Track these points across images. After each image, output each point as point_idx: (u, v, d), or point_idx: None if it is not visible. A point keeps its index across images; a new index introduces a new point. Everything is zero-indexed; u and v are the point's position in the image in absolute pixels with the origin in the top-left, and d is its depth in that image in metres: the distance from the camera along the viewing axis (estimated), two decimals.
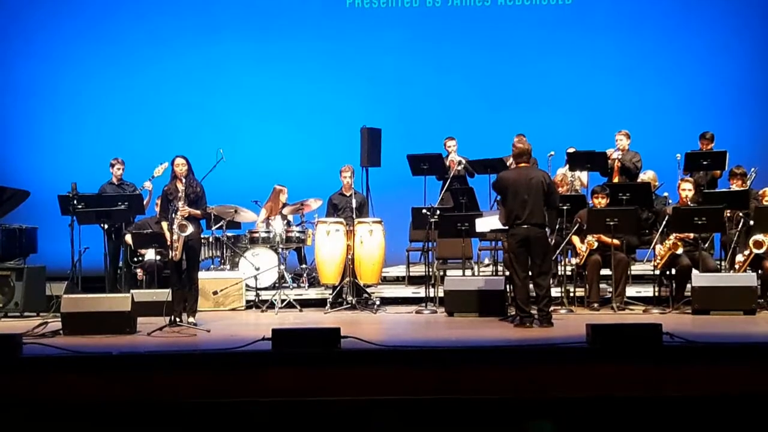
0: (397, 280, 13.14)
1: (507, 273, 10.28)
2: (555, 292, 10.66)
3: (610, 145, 12.46)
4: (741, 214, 10.79)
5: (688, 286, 10.38)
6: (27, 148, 15.48)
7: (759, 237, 10.40)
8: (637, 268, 11.86)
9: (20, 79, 15.63)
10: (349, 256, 11.33)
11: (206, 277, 11.55)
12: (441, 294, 10.92)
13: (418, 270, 12.53)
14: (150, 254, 11.57)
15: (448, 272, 11.80)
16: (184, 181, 9.81)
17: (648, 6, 15.37)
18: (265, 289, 11.93)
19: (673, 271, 10.67)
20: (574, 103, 14.90)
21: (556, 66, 15.18)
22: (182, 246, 9.74)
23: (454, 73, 15.42)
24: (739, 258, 10.64)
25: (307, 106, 15.33)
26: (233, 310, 11.58)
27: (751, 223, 10.60)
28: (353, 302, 11.22)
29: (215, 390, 7.16)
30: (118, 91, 15.47)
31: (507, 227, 9.58)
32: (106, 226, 11.46)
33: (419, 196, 12.54)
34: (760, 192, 11.13)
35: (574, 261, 11.09)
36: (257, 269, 11.89)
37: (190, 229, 9.69)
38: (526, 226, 9.32)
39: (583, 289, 10.98)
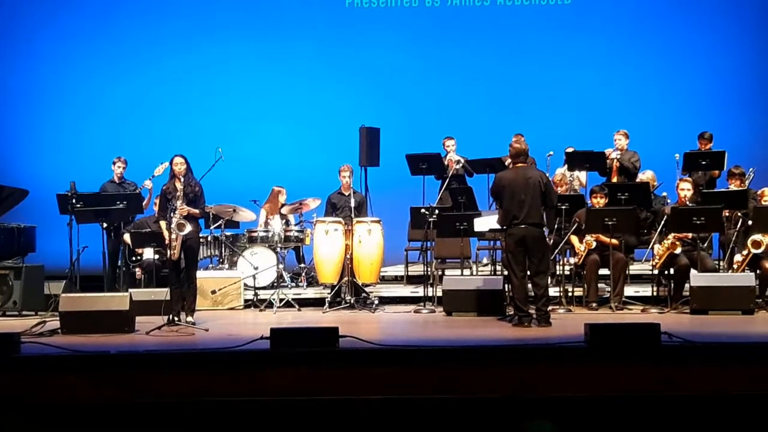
0: (395, 280, 13.14)
1: (505, 272, 10.28)
2: (553, 291, 10.67)
3: (609, 145, 12.48)
4: (739, 214, 10.80)
5: (687, 285, 10.40)
6: (26, 147, 15.47)
7: (757, 237, 10.41)
8: (635, 268, 11.87)
9: (20, 78, 15.62)
10: (348, 256, 11.33)
11: (205, 276, 11.56)
12: (439, 293, 10.92)
13: (417, 269, 12.53)
14: (148, 253, 11.57)
15: (447, 272, 11.80)
16: (182, 180, 9.80)
17: (647, 6, 15.37)
18: (264, 288, 11.93)
19: (672, 271, 10.67)
20: (572, 103, 14.91)
21: (555, 66, 15.18)
22: (180, 245, 9.74)
23: (453, 73, 15.42)
24: (738, 258, 10.64)
25: (306, 106, 15.33)
26: (231, 309, 11.58)
27: (750, 223, 10.60)
28: (352, 302, 11.22)
29: (213, 389, 7.16)
30: (117, 91, 15.47)
31: (504, 227, 9.57)
32: (105, 225, 11.46)
33: (418, 195, 12.54)
34: (759, 192, 11.13)
35: (572, 261, 11.10)
36: (256, 268, 11.89)
37: (189, 228, 9.69)
38: (523, 226, 9.33)
39: (581, 289, 10.99)
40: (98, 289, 11.27)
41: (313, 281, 12.47)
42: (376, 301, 11.31)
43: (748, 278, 10.25)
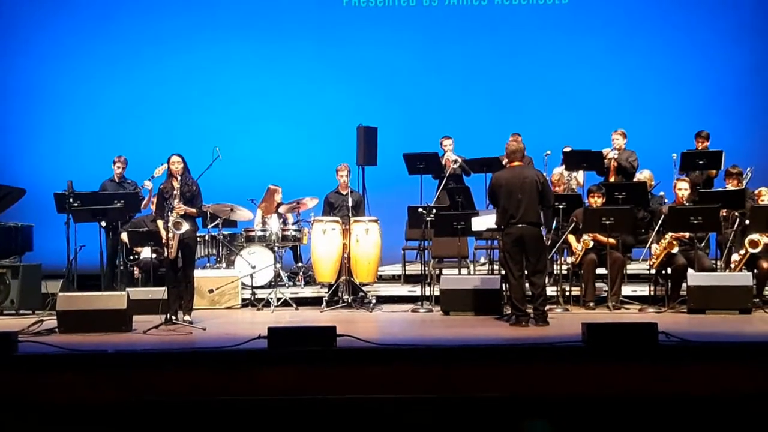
0: (393, 279, 13.15)
1: (503, 272, 10.28)
2: (551, 290, 10.67)
3: (607, 144, 12.49)
4: (737, 213, 10.80)
5: (684, 285, 10.40)
6: (25, 146, 15.46)
7: (755, 236, 10.42)
8: (632, 267, 11.89)
9: (19, 77, 15.62)
10: (345, 255, 11.33)
11: (202, 276, 11.56)
12: (437, 293, 10.92)
13: (414, 269, 12.54)
14: (146, 252, 11.57)
15: (444, 271, 11.82)
16: (179, 179, 9.80)
17: (644, 6, 15.40)
18: (261, 287, 11.94)
19: (669, 271, 10.67)
20: (570, 103, 14.92)
21: (552, 65, 15.20)
22: (178, 244, 9.73)
23: (451, 72, 15.44)
24: (735, 257, 10.66)
25: (304, 105, 15.34)
26: (229, 308, 11.58)
27: (747, 222, 10.61)
28: (349, 301, 11.22)
29: (211, 388, 7.16)
30: (116, 90, 15.47)
31: (501, 227, 9.56)
32: (104, 224, 11.45)
33: (415, 195, 12.53)
34: (756, 191, 11.14)
35: (569, 260, 11.10)
36: (253, 267, 11.89)
37: (186, 227, 9.69)
38: (520, 225, 9.33)
39: (578, 288, 11.00)
40: (96, 288, 11.25)
41: (310, 280, 12.47)
42: (374, 301, 11.31)
43: (745, 278, 10.26)
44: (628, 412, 6.96)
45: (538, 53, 15.26)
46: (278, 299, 11.27)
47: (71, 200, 11.31)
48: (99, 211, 11.33)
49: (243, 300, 11.74)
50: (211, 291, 11.59)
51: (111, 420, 7.02)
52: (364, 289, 11.57)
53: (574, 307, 10.79)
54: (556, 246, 10.93)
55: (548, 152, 12.65)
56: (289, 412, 7.02)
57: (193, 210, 9.88)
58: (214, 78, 15.47)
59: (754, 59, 15.09)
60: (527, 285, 9.55)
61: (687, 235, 10.62)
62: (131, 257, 11.95)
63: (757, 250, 10.41)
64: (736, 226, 10.76)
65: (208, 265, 12.72)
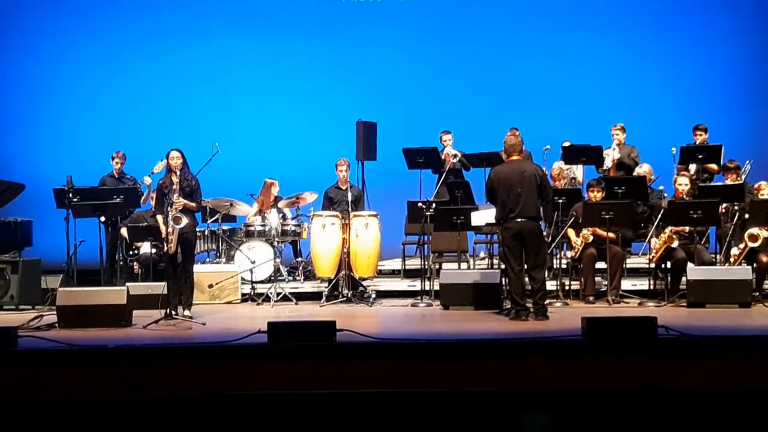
0: (392, 274, 13.15)
1: (502, 266, 10.28)
2: (550, 285, 10.66)
3: (606, 138, 12.47)
4: (736, 207, 10.81)
5: (684, 279, 10.41)
6: (24, 141, 15.45)
7: (754, 230, 10.42)
8: (632, 262, 11.89)
9: (17, 73, 15.61)
10: (345, 250, 11.33)
11: (202, 270, 11.55)
12: (436, 287, 10.93)
13: (414, 263, 12.53)
14: (145, 247, 11.57)
15: (444, 265, 11.83)
16: (178, 174, 9.79)
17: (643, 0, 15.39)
18: (261, 282, 11.94)
19: (669, 265, 10.67)
20: (569, 97, 14.91)
21: (552, 60, 15.18)
22: (177, 239, 9.73)
23: (450, 67, 15.43)
24: (734, 251, 10.65)
25: (303, 100, 15.33)
26: (229, 303, 11.59)
27: (747, 216, 10.61)
28: (349, 295, 11.22)
29: (211, 383, 7.16)
30: (114, 85, 15.47)
31: (501, 221, 9.55)
32: (103, 219, 11.45)
33: (415, 189, 12.54)
34: (756, 186, 11.13)
35: (569, 254, 11.10)
36: (253, 262, 11.89)
37: (185, 221, 9.68)
38: (519, 220, 9.32)
39: (578, 282, 10.99)
40: (95, 283, 11.24)
41: (310, 275, 12.47)
42: (373, 295, 11.32)
43: (744, 272, 10.26)
44: (627, 405, 6.97)
45: (538, 48, 15.25)
46: (278, 294, 11.27)
47: (71, 195, 11.32)
48: (98, 207, 11.31)
49: (243, 295, 11.75)
50: (210, 286, 11.60)
51: (111, 415, 7.03)
52: (364, 283, 11.58)
53: (574, 301, 10.79)
54: (556, 240, 10.94)
55: (548, 147, 12.65)
56: (289, 407, 7.02)
57: (193, 204, 9.87)
58: (213, 73, 15.46)
59: (753, 52, 15.08)
60: (527, 279, 9.55)
61: (687, 229, 10.62)
62: (131, 252, 11.95)
63: (756, 244, 10.42)
64: (735, 220, 10.76)
65: (207, 260, 12.72)
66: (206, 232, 12.58)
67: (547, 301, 9.63)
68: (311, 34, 15.50)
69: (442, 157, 12.76)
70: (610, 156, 12.24)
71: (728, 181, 11.28)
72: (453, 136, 13.10)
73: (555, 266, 11.33)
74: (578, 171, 12.75)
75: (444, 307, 10.51)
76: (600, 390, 7.02)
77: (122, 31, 15.53)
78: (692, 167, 12.06)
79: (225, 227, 12.83)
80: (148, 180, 12.05)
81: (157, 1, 15.67)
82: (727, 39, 15.08)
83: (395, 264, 13.15)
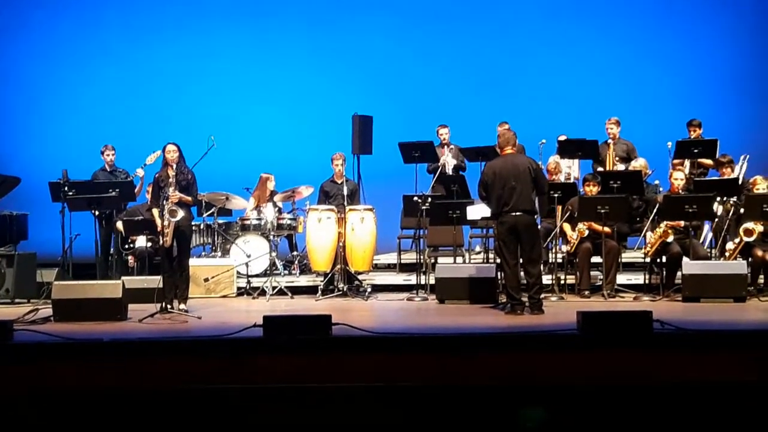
0: (388, 268, 13.15)
1: (498, 260, 10.29)
2: (546, 279, 10.67)
3: (601, 132, 12.49)
4: (732, 201, 10.82)
5: (679, 273, 10.42)
6: (18, 135, 15.44)
7: (749, 225, 10.43)
8: (627, 256, 11.90)
9: (10, 66, 15.58)
10: (341, 244, 11.33)
11: (197, 264, 11.55)
12: (432, 281, 10.94)
13: (410, 257, 12.54)
14: (141, 241, 11.56)
15: (439, 259, 11.84)
16: (174, 167, 9.79)
17: None
18: (257, 276, 11.94)
19: (664, 259, 10.68)
20: (565, 91, 14.92)
21: (548, 53, 15.20)
22: (173, 233, 9.72)
23: (447, 61, 15.43)
24: (730, 246, 10.67)
25: (299, 94, 15.32)
26: (224, 297, 11.59)
27: (742, 211, 10.62)
28: (344, 289, 11.22)
29: (206, 376, 7.17)
30: (109, 78, 15.45)
31: (496, 215, 9.53)
32: (96, 213, 11.45)
33: (411, 183, 12.54)
34: (751, 180, 11.15)
35: (564, 248, 11.11)
36: (248, 256, 11.89)
37: (180, 214, 9.67)
38: (514, 214, 9.30)
39: (573, 277, 11.00)
40: (91, 276, 11.26)
41: (305, 269, 12.47)
42: (369, 289, 11.32)
43: (740, 266, 10.27)
44: (622, 399, 6.98)
45: (535, 42, 15.26)
46: (273, 288, 11.27)
47: (66, 189, 11.29)
48: (94, 200, 11.32)
49: (238, 289, 11.74)
50: (206, 280, 11.59)
51: (106, 408, 7.03)
52: (360, 277, 11.57)
53: (569, 295, 10.79)
54: (552, 234, 10.95)
55: (543, 141, 12.65)
56: (284, 401, 7.02)
57: (189, 198, 9.87)
58: (207, 66, 15.45)
59: (750, 47, 15.08)
60: (522, 273, 9.55)
61: (682, 223, 10.63)
62: (126, 246, 11.94)
63: (751, 239, 10.43)
64: (730, 214, 10.77)
65: (203, 253, 12.72)
66: (202, 226, 12.57)
67: (542, 296, 9.64)
68: (307, 28, 15.49)
69: (439, 153, 12.76)
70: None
71: (724, 176, 11.28)
72: (450, 129, 13.10)
73: (551, 260, 11.33)
74: (574, 168, 12.75)
75: (439, 301, 10.52)
76: (595, 384, 7.03)
77: (116, 24, 15.52)
78: (686, 163, 12.07)
79: (221, 221, 12.83)
80: (140, 172, 12.06)
81: None
82: (725, 33, 15.09)
83: (391, 258, 13.16)
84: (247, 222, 12.33)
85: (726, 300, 9.99)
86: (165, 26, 15.51)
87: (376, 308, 10.51)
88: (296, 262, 12.61)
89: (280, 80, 15.39)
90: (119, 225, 11.73)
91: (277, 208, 12.41)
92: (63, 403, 7.04)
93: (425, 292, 11.04)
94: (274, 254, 11.96)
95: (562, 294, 10.78)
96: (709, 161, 12.06)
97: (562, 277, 11.08)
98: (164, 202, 9.66)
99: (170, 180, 9.73)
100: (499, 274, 10.39)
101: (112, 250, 12.14)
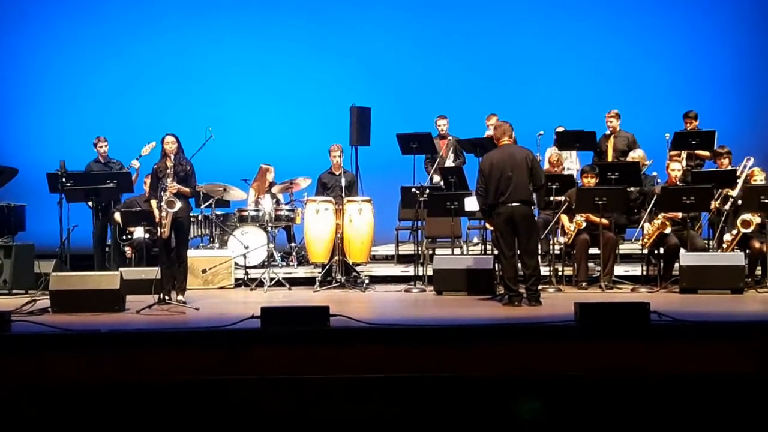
0: (386, 259, 13.17)
1: (495, 252, 10.29)
2: (543, 270, 10.68)
3: (600, 123, 12.49)
4: (730, 193, 10.81)
5: (676, 265, 10.43)
6: (16, 126, 15.42)
7: (747, 216, 10.44)
8: (625, 247, 11.91)
9: (9, 57, 15.56)
10: (338, 235, 11.33)
11: (195, 256, 11.56)
12: (430, 273, 10.94)
13: (407, 249, 12.55)
14: (139, 232, 11.56)
15: (437, 251, 11.84)
16: (173, 158, 9.78)
17: None
18: (254, 267, 11.95)
19: (661, 250, 10.69)
20: (563, 82, 14.92)
21: (546, 45, 15.21)
22: (171, 223, 9.72)
23: (445, 52, 15.42)
24: (727, 237, 10.67)
25: (297, 85, 15.32)
26: (222, 288, 11.59)
27: (740, 202, 10.62)
28: (342, 281, 11.22)
29: (204, 368, 7.17)
30: (106, 69, 15.45)
31: (491, 206, 9.49)
32: (91, 204, 11.43)
33: (408, 175, 12.54)
34: (749, 171, 11.13)
35: (562, 240, 11.11)
36: (246, 248, 11.89)
37: (178, 205, 9.66)
38: (511, 204, 9.28)
39: (571, 268, 11.01)
40: (88, 267, 11.26)
41: (303, 260, 12.48)
42: (367, 281, 11.33)
43: (737, 257, 10.27)
44: (620, 391, 6.99)
45: (534, 33, 15.27)
46: (271, 279, 11.27)
47: (64, 180, 11.28)
48: (92, 191, 11.31)
49: (236, 280, 11.75)
50: (204, 271, 11.59)
51: (104, 399, 7.03)
52: (357, 269, 11.58)
53: (567, 286, 10.80)
54: (549, 226, 10.95)
55: (541, 132, 12.65)
56: (282, 392, 7.03)
57: (187, 190, 9.86)
58: (205, 57, 15.44)
59: (749, 39, 15.08)
60: (520, 265, 9.55)
61: (679, 215, 10.63)
62: (124, 237, 11.93)
63: (749, 230, 10.43)
64: (728, 206, 10.78)
65: (201, 245, 12.72)
66: (200, 217, 12.57)
67: (540, 287, 9.64)
68: (305, 19, 15.48)
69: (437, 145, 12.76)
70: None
71: (722, 167, 11.26)
72: (449, 120, 13.10)
73: (550, 251, 11.34)
74: (574, 164, 12.74)
75: (437, 293, 10.53)
76: (592, 375, 7.03)
77: (115, 15, 15.52)
78: (683, 154, 12.07)
79: (218, 212, 12.83)
80: (136, 164, 12.05)
81: None
82: (724, 25, 15.09)
83: (389, 249, 13.17)
84: (245, 213, 12.34)
85: (723, 291, 10.00)
86: (163, 17, 15.50)
87: (373, 299, 10.51)
88: (294, 253, 12.61)
89: (278, 71, 15.38)
90: (117, 216, 11.73)
91: (275, 200, 12.41)
92: (61, 394, 7.04)
93: (423, 284, 11.05)
94: (272, 245, 11.96)
95: (559, 285, 10.80)
96: (706, 153, 12.06)
97: (560, 268, 11.09)
98: (162, 193, 9.66)
99: (168, 171, 9.72)
100: (496, 265, 10.39)
101: (109, 241, 12.13)
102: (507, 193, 9.26)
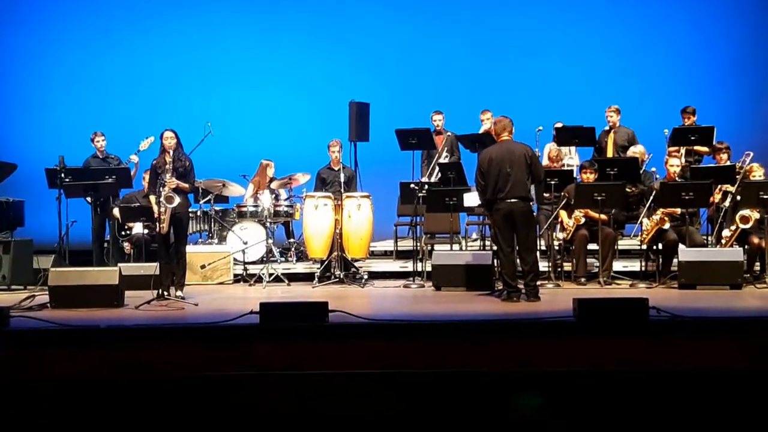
0: (385, 255, 13.16)
1: (494, 247, 10.29)
2: (542, 266, 10.67)
3: (599, 119, 12.47)
4: (728, 188, 10.82)
5: (675, 260, 10.42)
6: (14, 122, 15.41)
7: (746, 212, 10.44)
8: (624, 243, 11.90)
9: (5, 52, 15.54)
10: (337, 231, 11.33)
11: (194, 251, 11.56)
12: (429, 268, 10.94)
13: (406, 244, 12.54)
14: (138, 228, 11.56)
15: (436, 247, 11.83)
16: (172, 154, 9.77)
17: None
18: (253, 263, 11.95)
19: (660, 246, 10.69)
20: (562, 78, 14.91)
21: (545, 40, 15.18)
22: (170, 219, 9.72)
23: (444, 48, 15.41)
24: (726, 233, 10.67)
25: (296, 80, 15.31)
26: (221, 283, 11.60)
27: (738, 198, 10.62)
28: (341, 276, 11.23)
29: (203, 363, 7.16)
30: (104, 64, 15.44)
31: (490, 201, 9.50)
32: (90, 200, 11.42)
33: (407, 170, 12.54)
34: (747, 167, 11.13)
35: (561, 236, 11.11)
36: (245, 243, 11.89)
37: (177, 200, 9.66)
38: (509, 200, 9.28)
39: (570, 264, 11.00)
40: (87, 263, 11.26)
41: (302, 256, 12.47)
42: (366, 276, 11.33)
43: (736, 253, 10.28)
44: (618, 386, 6.98)
45: (532, 29, 15.25)
46: (270, 275, 11.28)
47: (63, 175, 11.27)
48: (90, 187, 11.30)
49: (235, 275, 11.75)
50: (203, 266, 11.60)
51: (102, 395, 7.03)
52: (356, 264, 11.58)
53: (566, 282, 10.79)
54: (548, 221, 10.95)
55: (540, 128, 12.64)
56: (281, 387, 7.03)
57: (186, 185, 9.86)
58: (204, 52, 15.43)
59: (749, 35, 15.07)
60: (518, 261, 9.55)
61: (678, 210, 10.63)
62: (123, 233, 11.93)
63: (748, 226, 10.44)
64: (728, 202, 10.78)
65: (200, 240, 12.71)
66: (199, 213, 12.57)
67: (538, 283, 9.64)
68: (304, 13, 15.46)
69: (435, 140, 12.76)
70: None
71: (720, 162, 11.27)
72: (444, 116, 13.09)
73: (550, 246, 11.34)
74: (573, 158, 12.74)
75: (436, 288, 10.53)
76: (591, 371, 7.03)
77: (112, 9, 15.50)
78: (682, 150, 12.07)
79: (217, 208, 12.82)
80: (135, 159, 12.04)
81: None
82: (724, 20, 15.08)
83: (387, 245, 13.16)
84: (244, 209, 12.34)
85: (722, 287, 10.01)
86: (161, 12, 15.48)
87: (372, 295, 10.52)
88: (293, 249, 12.61)
89: (277, 67, 15.37)
90: (116, 212, 11.72)
91: (274, 195, 12.41)
92: (60, 389, 7.04)
93: (422, 279, 11.05)
94: (270, 241, 11.96)
95: (558, 281, 10.79)
96: (704, 148, 12.06)
97: (559, 264, 11.09)
98: (161, 188, 9.66)
99: (167, 166, 9.71)
100: (495, 261, 10.39)
101: (107, 236, 12.13)
102: (505, 189, 9.27)
